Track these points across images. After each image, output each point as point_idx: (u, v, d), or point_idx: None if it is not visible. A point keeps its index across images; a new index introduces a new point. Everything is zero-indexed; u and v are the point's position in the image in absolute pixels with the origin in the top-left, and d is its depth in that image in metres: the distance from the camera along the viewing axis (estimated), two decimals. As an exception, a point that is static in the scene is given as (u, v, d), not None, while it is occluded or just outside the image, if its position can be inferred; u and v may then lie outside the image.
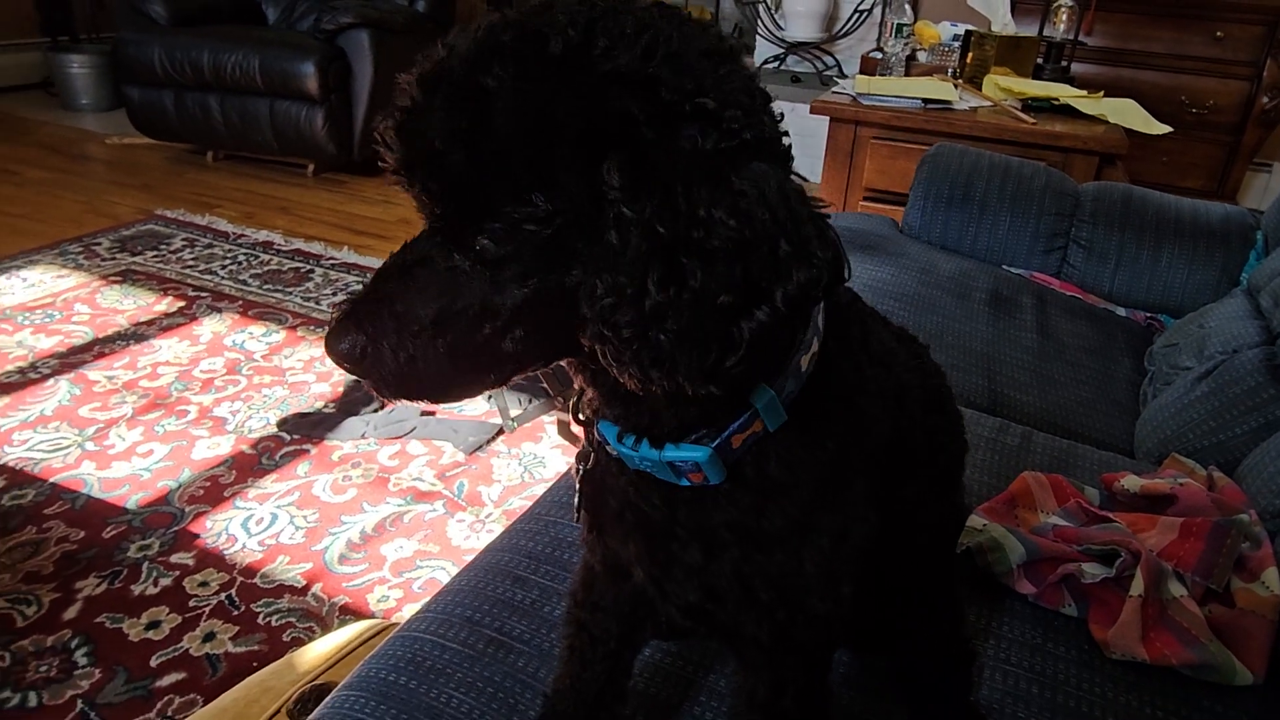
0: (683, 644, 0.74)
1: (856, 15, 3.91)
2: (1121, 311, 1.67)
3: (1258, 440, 1.04)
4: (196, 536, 1.53)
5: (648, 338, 0.39)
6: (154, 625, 1.34)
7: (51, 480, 1.64)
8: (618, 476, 0.54)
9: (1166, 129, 2.20)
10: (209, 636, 1.32)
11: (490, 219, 0.41)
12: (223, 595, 1.40)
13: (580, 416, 0.55)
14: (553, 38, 0.41)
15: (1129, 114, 2.21)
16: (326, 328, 0.47)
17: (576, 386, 0.53)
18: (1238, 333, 1.28)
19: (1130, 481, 0.93)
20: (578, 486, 0.57)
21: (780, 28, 4.05)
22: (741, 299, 0.39)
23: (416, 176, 0.43)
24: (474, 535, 1.57)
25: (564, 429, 1.88)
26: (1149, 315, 1.66)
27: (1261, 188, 3.61)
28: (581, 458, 0.57)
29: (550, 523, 0.87)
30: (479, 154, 0.41)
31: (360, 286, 0.47)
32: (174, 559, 1.47)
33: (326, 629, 1.35)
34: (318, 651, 1.07)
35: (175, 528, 1.54)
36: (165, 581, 1.42)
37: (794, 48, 4.04)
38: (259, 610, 1.38)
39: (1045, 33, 2.58)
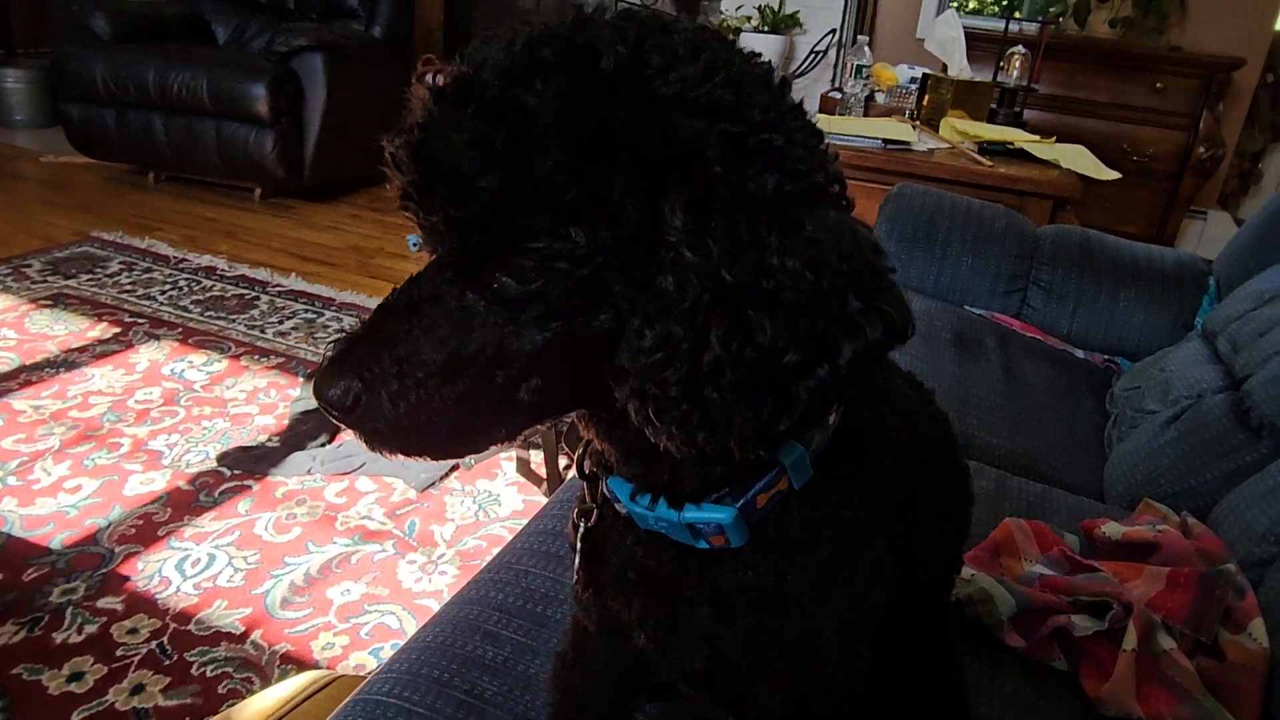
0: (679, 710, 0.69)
1: (812, 56, 3.98)
2: (1080, 353, 1.69)
3: (1229, 486, 1.04)
4: (126, 579, 1.42)
5: (701, 396, 0.35)
6: (77, 677, 1.23)
7: (-33, 518, 1.53)
8: (623, 534, 0.50)
9: (1116, 175, 2.26)
10: (137, 689, 1.22)
11: (516, 253, 0.36)
12: (154, 643, 1.30)
13: (584, 470, 0.51)
14: (604, 53, 0.36)
15: (1080, 159, 2.27)
16: (318, 368, 0.41)
17: (583, 438, 0.48)
18: (1199, 376, 1.29)
19: (1111, 529, 0.92)
20: (578, 546, 0.52)
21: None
22: (808, 356, 0.35)
23: (436, 203, 0.38)
24: (425, 578, 1.50)
25: (522, 466, 1.82)
26: (1107, 357, 1.68)
27: (1197, 234, 3.75)
28: (583, 514, 0.52)
29: (521, 572, 0.81)
30: (514, 180, 0.35)
31: (355, 322, 0.41)
32: (101, 604, 1.37)
33: (266, 680, 1.26)
34: (258, 707, 0.99)
35: (103, 570, 1.44)
36: (91, 629, 1.32)
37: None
38: (193, 659, 1.28)
39: (999, 78, 2.64)
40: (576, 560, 0.52)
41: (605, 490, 0.49)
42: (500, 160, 0.36)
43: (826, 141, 0.41)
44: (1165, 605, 0.80)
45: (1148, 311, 1.66)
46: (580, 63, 0.36)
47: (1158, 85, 3.29)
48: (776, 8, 3.91)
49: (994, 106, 2.60)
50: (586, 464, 0.50)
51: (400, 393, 0.39)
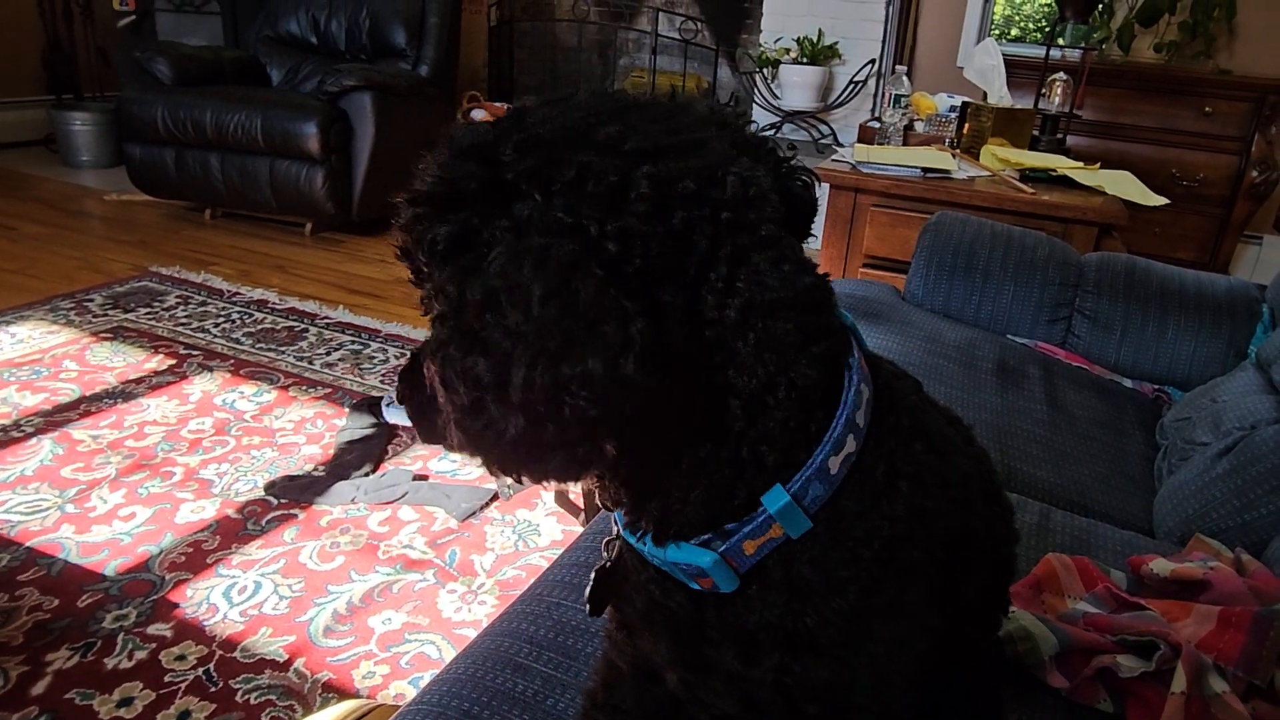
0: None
1: (851, 86, 3.99)
2: (1128, 383, 1.65)
3: (1285, 521, 1.01)
4: (176, 606, 1.46)
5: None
6: (126, 702, 1.26)
7: (28, 544, 1.58)
8: (640, 572, 0.50)
9: (1163, 200, 2.22)
10: (184, 715, 1.25)
11: None
12: (200, 670, 1.33)
13: (603, 503, 0.52)
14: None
15: (1126, 185, 2.23)
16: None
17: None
18: (1253, 408, 1.26)
19: (1159, 565, 0.89)
20: (593, 575, 0.53)
21: (777, 96, 4.12)
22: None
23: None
24: (465, 607, 1.51)
25: (561, 497, 1.83)
26: (1156, 387, 1.64)
27: (1253, 260, 3.65)
28: (608, 546, 0.53)
29: (553, 604, 0.82)
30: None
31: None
32: (151, 630, 1.40)
33: (308, 709, 1.28)
34: (299, 736, 1.01)
35: (154, 596, 1.48)
36: (141, 655, 1.35)
37: (790, 116, 4.11)
38: (238, 687, 1.31)
39: (1040, 106, 2.62)
40: (587, 590, 0.53)
41: (614, 522, 0.49)
42: None
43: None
44: (1216, 646, 0.77)
45: (1198, 340, 1.62)
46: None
47: (1206, 109, 3.22)
48: (815, 39, 3.93)
49: (1036, 133, 2.58)
50: (599, 496, 0.51)
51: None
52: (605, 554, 0.53)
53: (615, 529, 0.51)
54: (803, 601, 0.46)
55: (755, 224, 0.42)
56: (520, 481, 0.44)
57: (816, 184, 0.51)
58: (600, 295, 0.38)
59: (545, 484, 0.46)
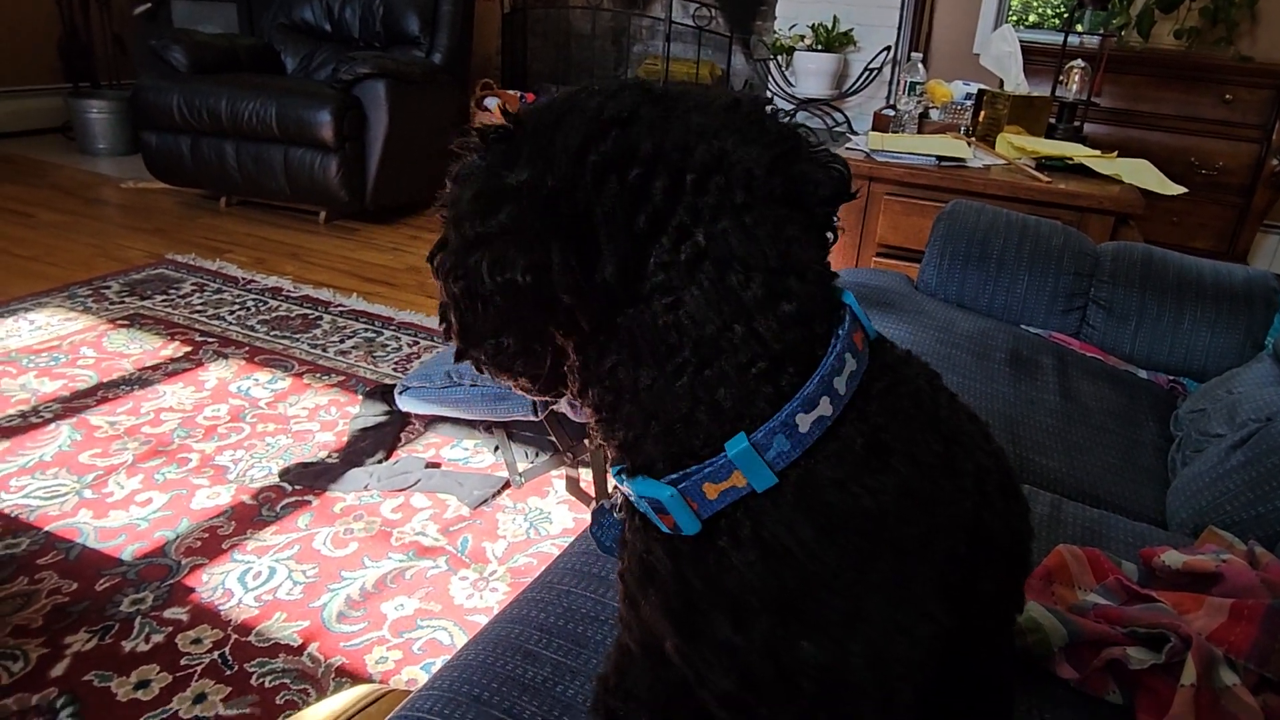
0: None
1: (866, 73, 3.96)
2: (1143, 374, 1.64)
3: (1299, 514, 1.00)
4: (192, 590, 1.48)
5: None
6: (143, 685, 1.28)
7: (46, 529, 1.60)
8: (630, 522, 0.53)
9: (1181, 190, 2.19)
10: (200, 698, 1.27)
11: None
12: (216, 654, 1.35)
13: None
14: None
15: (1144, 174, 2.21)
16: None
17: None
18: (1269, 400, 1.25)
19: (1171, 557, 0.89)
20: (590, 512, 0.57)
21: (791, 84, 4.10)
22: None
23: None
24: (476, 594, 1.52)
25: (572, 485, 1.83)
26: (1171, 378, 1.63)
27: (1272, 250, 3.60)
28: (611, 508, 0.57)
29: (563, 591, 0.82)
30: None
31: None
32: (167, 614, 1.42)
33: (321, 692, 1.30)
34: (311, 718, 1.02)
35: (170, 581, 1.50)
36: (157, 638, 1.37)
37: (804, 104, 4.09)
38: (252, 670, 1.32)
39: (1057, 93, 2.59)
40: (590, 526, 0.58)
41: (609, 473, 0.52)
42: None
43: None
44: (1227, 639, 0.77)
45: (1215, 330, 1.60)
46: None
47: (1227, 97, 3.18)
48: (830, 26, 3.90)
49: (1053, 121, 2.55)
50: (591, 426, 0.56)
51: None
52: (610, 501, 0.56)
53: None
54: (780, 562, 0.46)
55: (724, 189, 0.47)
56: (481, 370, 0.54)
57: (844, 171, 0.54)
58: (516, 214, 0.47)
59: (516, 380, 0.54)
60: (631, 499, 0.52)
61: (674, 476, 0.49)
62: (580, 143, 0.48)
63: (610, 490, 0.57)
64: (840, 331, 0.48)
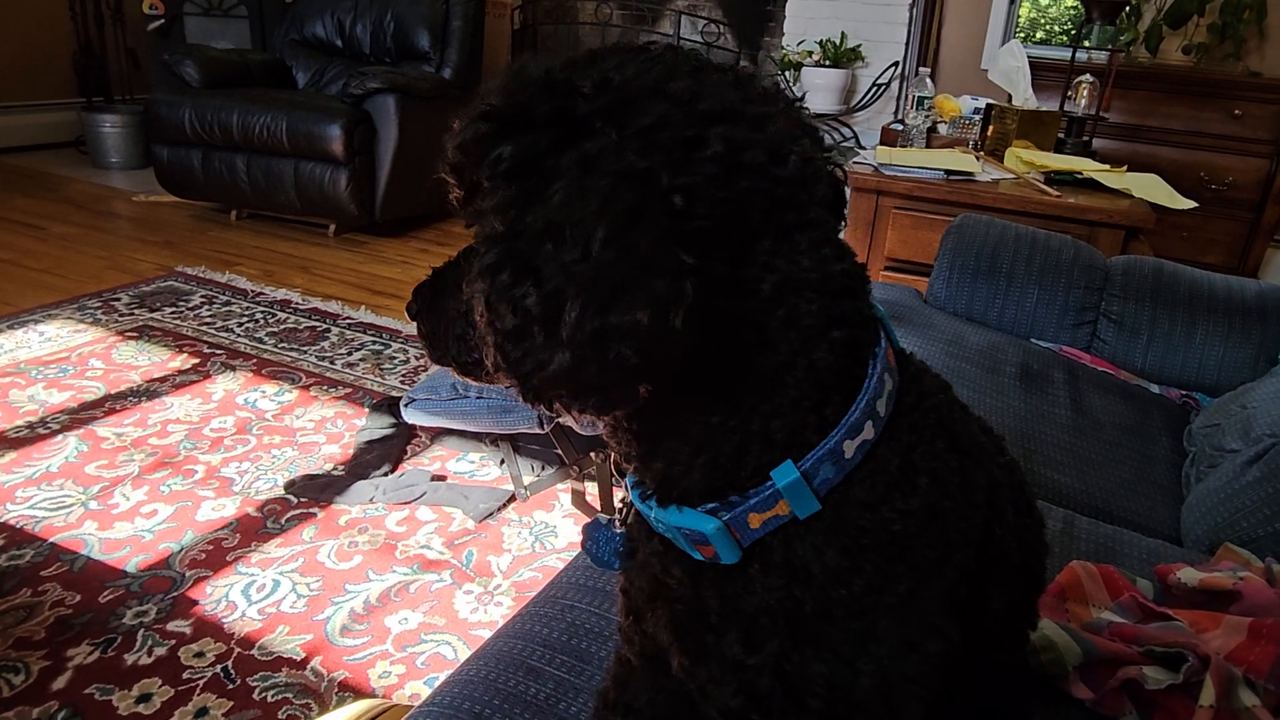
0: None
1: (874, 88, 3.96)
2: (1155, 388, 1.62)
3: (1318, 531, 0.98)
4: (195, 603, 1.47)
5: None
6: (145, 698, 1.27)
7: (51, 540, 1.60)
8: (645, 543, 0.51)
9: (1191, 204, 2.18)
10: (201, 712, 1.26)
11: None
12: (218, 667, 1.34)
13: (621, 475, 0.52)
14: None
15: (1153, 189, 2.19)
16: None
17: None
18: (1285, 415, 1.23)
19: (1187, 575, 0.87)
20: (582, 528, 0.54)
21: (799, 99, 4.10)
22: None
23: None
24: (481, 608, 1.51)
25: (578, 498, 1.82)
26: (1184, 393, 1.61)
27: (1284, 264, 3.58)
28: (623, 506, 0.54)
29: (567, 606, 0.81)
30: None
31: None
32: (170, 627, 1.41)
33: (324, 707, 1.28)
34: (314, 734, 1.01)
35: (174, 593, 1.49)
36: (160, 651, 1.36)
37: (812, 119, 4.09)
38: (255, 684, 1.31)
39: (1066, 108, 2.58)
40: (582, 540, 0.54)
41: (625, 487, 0.50)
42: None
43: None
44: (1246, 658, 0.75)
45: (1227, 345, 1.58)
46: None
47: (1236, 112, 3.17)
48: (838, 42, 3.91)
49: (1061, 136, 2.54)
50: (607, 440, 0.52)
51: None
52: (615, 515, 0.54)
53: (625, 492, 0.51)
54: (803, 587, 0.45)
55: (805, 204, 0.43)
56: (553, 413, 0.45)
57: (844, 177, 0.52)
58: (659, 246, 0.38)
59: (575, 414, 0.45)
60: (660, 527, 0.49)
61: (713, 506, 0.46)
62: (687, 144, 0.40)
63: (617, 504, 0.55)
64: (879, 350, 0.47)
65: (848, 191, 2.26)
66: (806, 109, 0.52)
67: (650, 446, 0.48)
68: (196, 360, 2.37)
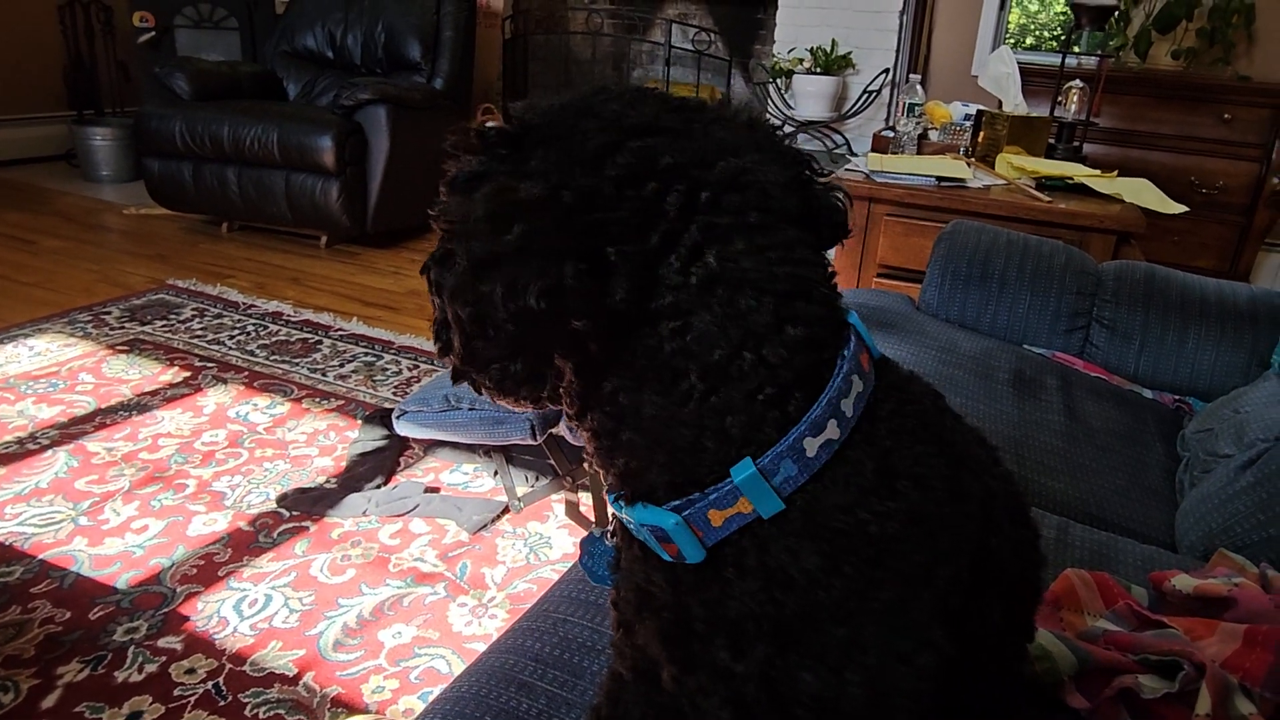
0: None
1: (865, 95, 3.97)
2: (1148, 393, 1.62)
3: (1312, 536, 0.98)
4: (186, 619, 1.46)
5: None
6: (135, 716, 1.26)
7: (41, 557, 1.58)
8: (627, 550, 0.51)
9: (1182, 208, 2.18)
10: (193, 730, 1.24)
11: None
12: (210, 684, 1.33)
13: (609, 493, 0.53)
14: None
15: (1144, 193, 2.20)
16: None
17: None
18: (1277, 419, 1.23)
19: (1182, 581, 0.87)
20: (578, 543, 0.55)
21: (790, 107, 4.12)
22: None
23: None
24: (475, 621, 1.50)
25: (572, 509, 1.81)
26: (1177, 398, 1.61)
27: (1274, 268, 3.59)
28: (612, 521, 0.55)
29: (560, 620, 0.81)
30: None
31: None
32: (161, 643, 1.40)
33: (317, 723, 1.27)
34: (306, 752, 1.00)
35: (165, 609, 1.48)
36: (151, 668, 1.35)
37: (804, 126, 4.10)
38: (247, 701, 1.30)
39: (1056, 114, 2.59)
40: (578, 554, 0.55)
41: (608, 502, 0.50)
42: None
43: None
44: (1242, 666, 0.75)
45: (1220, 349, 1.59)
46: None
47: (1225, 116, 3.18)
48: (829, 49, 3.92)
49: (1052, 141, 2.55)
50: (587, 450, 0.53)
51: None
52: (608, 527, 0.55)
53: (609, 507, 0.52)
54: (784, 590, 0.45)
55: (740, 209, 0.46)
56: (480, 394, 0.50)
57: (849, 203, 0.55)
58: (530, 232, 0.43)
59: (518, 401, 0.50)
60: (631, 527, 0.50)
61: (677, 503, 0.47)
62: (598, 152, 0.45)
63: (610, 516, 0.55)
64: (846, 353, 0.47)
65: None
66: (788, 137, 0.55)
67: (610, 441, 0.50)
68: (188, 373, 2.35)
